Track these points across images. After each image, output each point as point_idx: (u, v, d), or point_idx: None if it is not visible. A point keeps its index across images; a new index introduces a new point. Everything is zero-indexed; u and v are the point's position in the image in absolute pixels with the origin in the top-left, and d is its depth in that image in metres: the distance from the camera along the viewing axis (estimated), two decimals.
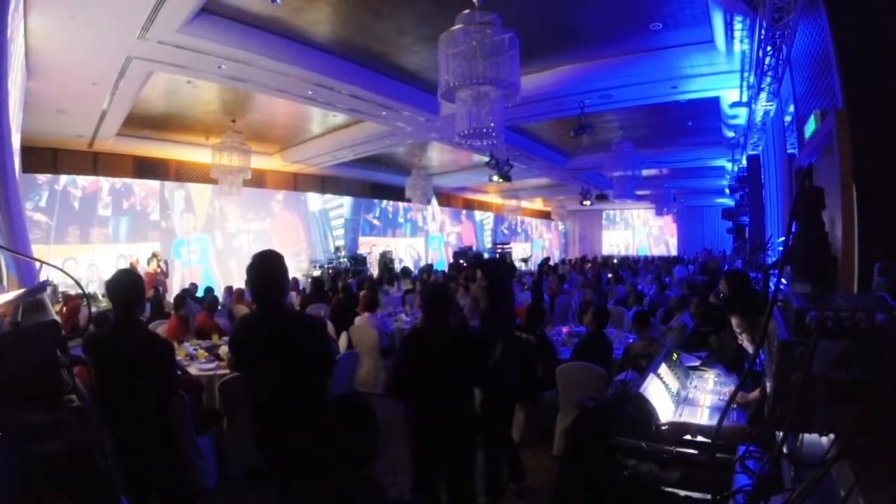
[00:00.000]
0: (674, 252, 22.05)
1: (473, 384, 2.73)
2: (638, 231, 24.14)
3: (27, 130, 5.71)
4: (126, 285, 2.47)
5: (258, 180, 11.27)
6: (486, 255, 16.32)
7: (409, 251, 16.48)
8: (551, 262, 15.82)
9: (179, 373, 3.55)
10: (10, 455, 1.03)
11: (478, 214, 19.92)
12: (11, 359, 1.09)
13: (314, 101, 7.06)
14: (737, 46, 5.47)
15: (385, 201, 15.50)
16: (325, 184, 13.64)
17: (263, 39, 5.43)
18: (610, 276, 11.22)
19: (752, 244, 7.79)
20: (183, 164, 10.64)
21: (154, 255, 9.18)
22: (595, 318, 4.22)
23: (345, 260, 13.08)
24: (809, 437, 1.11)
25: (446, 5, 4.60)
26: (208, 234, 11.32)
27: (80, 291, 5.64)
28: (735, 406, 2.25)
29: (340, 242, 13.89)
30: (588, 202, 15.45)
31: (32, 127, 6.59)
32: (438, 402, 2.54)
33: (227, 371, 3.97)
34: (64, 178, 9.10)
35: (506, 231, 21.48)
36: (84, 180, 9.35)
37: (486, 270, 3.40)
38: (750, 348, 2.33)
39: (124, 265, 8.77)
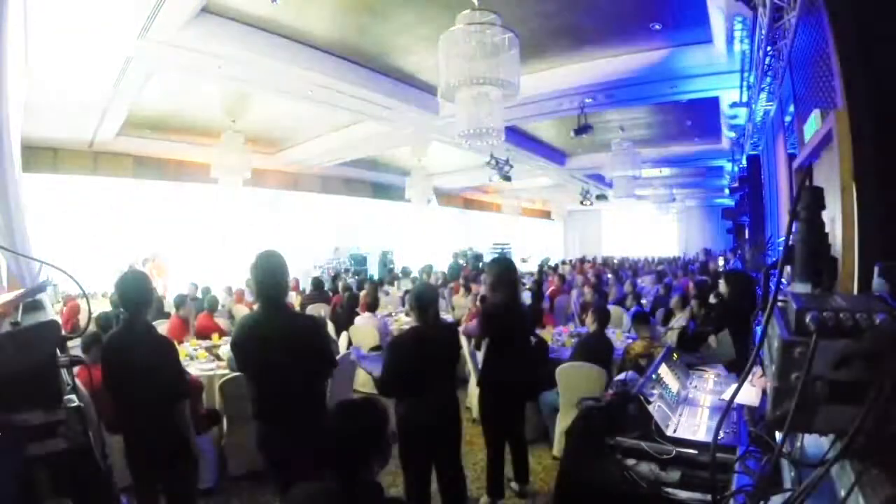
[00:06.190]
0: (674, 252, 22.04)
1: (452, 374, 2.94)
2: (638, 231, 24.11)
3: (27, 130, 5.69)
4: (135, 285, 2.46)
5: (258, 180, 11.25)
6: (484, 256, 16.33)
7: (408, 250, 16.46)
8: (551, 262, 15.81)
9: None
10: (10, 455, 1.03)
11: (477, 214, 19.90)
12: (11, 359, 1.09)
13: (314, 101, 7.06)
14: (737, 46, 5.46)
15: (385, 201, 15.49)
16: (325, 184, 13.63)
17: (263, 39, 5.42)
18: (610, 276, 11.22)
19: (752, 244, 7.79)
20: (183, 164, 10.64)
21: (152, 257, 9.16)
22: (596, 319, 4.22)
23: (345, 260, 13.07)
24: (809, 437, 1.11)
25: (446, 5, 4.59)
26: (208, 235, 11.31)
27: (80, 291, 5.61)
28: (735, 406, 2.24)
29: (340, 242, 13.87)
30: (588, 202, 15.44)
31: (32, 127, 6.58)
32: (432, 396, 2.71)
33: (227, 371, 3.98)
34: None
35: (505, 231, 21.47)
36: None
37: (491, 270, 3.42)
38: None
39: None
